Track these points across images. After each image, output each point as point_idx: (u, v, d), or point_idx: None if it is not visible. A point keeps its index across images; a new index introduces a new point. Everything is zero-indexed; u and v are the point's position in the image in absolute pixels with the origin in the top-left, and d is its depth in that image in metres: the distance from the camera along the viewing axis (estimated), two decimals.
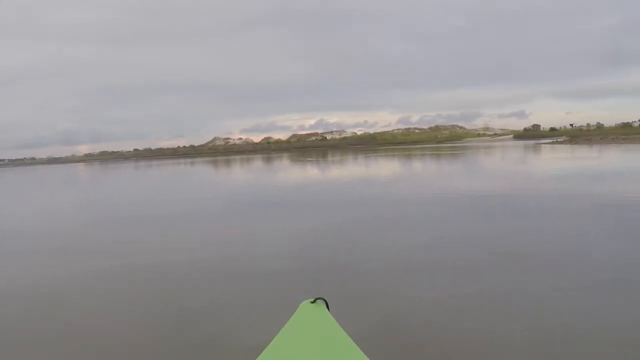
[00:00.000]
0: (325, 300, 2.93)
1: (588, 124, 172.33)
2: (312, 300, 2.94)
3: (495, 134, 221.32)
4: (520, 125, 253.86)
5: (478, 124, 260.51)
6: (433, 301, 6.64)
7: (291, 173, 41.79)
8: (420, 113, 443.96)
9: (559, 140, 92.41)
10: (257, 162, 71.27)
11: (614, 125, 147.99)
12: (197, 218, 16.02)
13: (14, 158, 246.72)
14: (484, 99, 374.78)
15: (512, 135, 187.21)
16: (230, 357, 5.21)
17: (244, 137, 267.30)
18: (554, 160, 38.55)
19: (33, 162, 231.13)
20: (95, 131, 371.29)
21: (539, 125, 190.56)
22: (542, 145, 74.97)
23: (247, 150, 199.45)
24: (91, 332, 6.16)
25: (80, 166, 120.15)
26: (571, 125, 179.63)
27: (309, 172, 40.66)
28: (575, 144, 69.20)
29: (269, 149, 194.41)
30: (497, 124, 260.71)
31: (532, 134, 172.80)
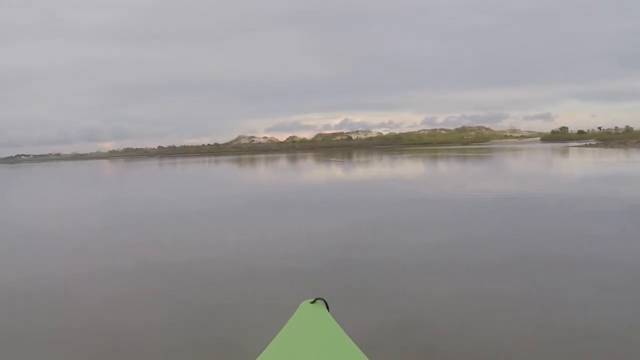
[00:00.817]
0: (325, 301, 2.93)
1: (616, 127, 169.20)
2: (312, 300, 2.94)
3: (523, 136, 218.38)
4: (545, 127, 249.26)
5: (504, 125, 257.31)
6: (450, 299, 6.78)
7: (316, 173, 41.39)
8: (445, 114, 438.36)
9: (591, 143, 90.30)
10: (282, 162, 71.27)
11: None
12: (215, 216, 16.40)
13: (38, 154, 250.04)
14: (509, 100, 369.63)
15: (539, 138, 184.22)
16: (237, 357, 5.28)
17: (268, 136, 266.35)
18: (601, 164, 37.29)
19: (58, 158, 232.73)
20: (119, 129, 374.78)
21: (567, 128, 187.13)
22: (576, 148, 73.23)
23: (271, 149, 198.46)
24: (100, 330, 6.28)
25: (104, 163, 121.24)
26: (599, 128, 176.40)
27: (335, 173, 40.28)
28: (611, 147, 67.22)
29: (293, 148, 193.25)
30: (523, 126, 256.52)
31: (560, 137, 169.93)
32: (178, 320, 6.54)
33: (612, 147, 65.89)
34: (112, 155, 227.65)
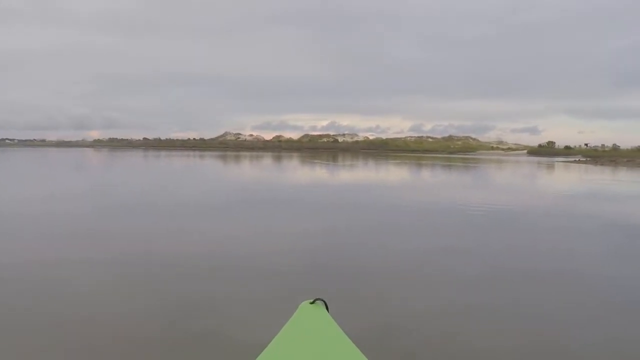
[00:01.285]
0: (324, 301, 2.89)
1: (603, 145, 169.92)
2: (312, 301, 2.90)
3: (510, 148, 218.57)
4: (532, 141, 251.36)
5: (490, 136, 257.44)
6: (426, 310, 6.79)
7: (297, 175, 40.27)
8: (432, 122, 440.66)
9: (580, 159, 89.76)
10: (264, 161, 69.87)
11: (629, 147, 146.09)
12: (194, 212, 16.02)
13: (23, 139, 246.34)
14: (497, 112, 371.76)
15: (526, 151, 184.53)
16: (225, 353, 5.33)
17: (255, 133, 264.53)
18: (591, 182, 36.53)
19: (43, 144, 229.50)
20: (107, 118, 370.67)
21: (554, 143, 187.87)
22: (563, 163, 72.54)
23: (257, 147, 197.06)
24: (86, 322, 6.15)
25: (88, 151, 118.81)
26: (586, 144, 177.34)
27: (318, 175, 39.20)
28: (601, 164, 66.49)
29: (279, 148, 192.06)
30: (510, 138, 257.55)
31: (547, 151, 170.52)
32: (157, 311, 6.56)
33: (601, 165, 65.29)
34: (97, 144, 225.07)
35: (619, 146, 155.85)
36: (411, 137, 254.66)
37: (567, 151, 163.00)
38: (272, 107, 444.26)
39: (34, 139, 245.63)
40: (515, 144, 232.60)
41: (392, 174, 41.66)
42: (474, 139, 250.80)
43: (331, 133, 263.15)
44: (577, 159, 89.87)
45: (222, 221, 14.50)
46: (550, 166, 63.13)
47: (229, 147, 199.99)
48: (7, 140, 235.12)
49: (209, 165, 56.57)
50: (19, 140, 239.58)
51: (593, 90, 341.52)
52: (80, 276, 8.21)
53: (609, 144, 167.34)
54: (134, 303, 6.90)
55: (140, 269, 8.76)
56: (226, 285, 7.85)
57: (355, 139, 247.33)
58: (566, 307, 6.91)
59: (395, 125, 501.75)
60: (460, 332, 5.98)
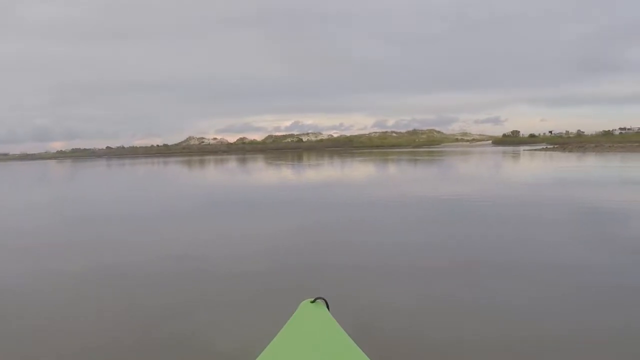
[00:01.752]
0: (325, 300, 2.91)
1: (567, 131, 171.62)
2: (312, 300, 2.92)
3: (474, 139, 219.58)
4: (495, 131, 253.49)
5: (454, 129, 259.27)
6: (396, 304, 6.66)
7: (259, 176, 38.39)
8: (396, 117, 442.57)
9: (547, 147, 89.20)
10: (227, 164, 68.48)
11: (593, 133, 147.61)
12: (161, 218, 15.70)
13: None
14: (459, 104, 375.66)
15: (490, 141, 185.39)
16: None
17: (218, 137, 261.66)
18: (563, 169, 35.28)
19: (5, 158, 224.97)
20: (70, 128, 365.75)
21: (518, 132, 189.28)
22: (531, 151, 71.68)
23: (220, 150, 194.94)
24: (60, 336, 5.91)
25: (50, 164, 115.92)
26: (550, 132, 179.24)
27: (284, 177, 37.19)
28: (569, 151, 65.35)
29: (243, 150, 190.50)
30: (473, 130, 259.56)
31: (511, 140, 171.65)
32: (127, 321, 6.33)
33: (569, 151, 64.37)
34: (60, 155, 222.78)
35: (583, 132, 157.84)
36: (375, 132, 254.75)
37: (532, 139, 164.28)
38: (235, 110, 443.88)
39: None
40: (480, 135, 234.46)
41: (362, 171, 40.50)
42: (438, 132, 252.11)
43: (295, 133, 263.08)
44: (544, 147, 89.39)
45: (189, 226, 13.95)
46: (517, 155, 62.07)
47: (193, 151, 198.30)
48: None
49: (172, 171, 54.84)
50: None
51: (554, 78, 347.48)
52: (49, 289, 7.95)
53: (573, 130, 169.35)
54: (104, 313, 6.66)
55: (119, 279, 8.40)
56: (198, 288, 7.70)
57: (320, 137, 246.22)
58: (532, 297, 6.77)
59: (359, 122, 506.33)
60: (425, 328, 5.88)
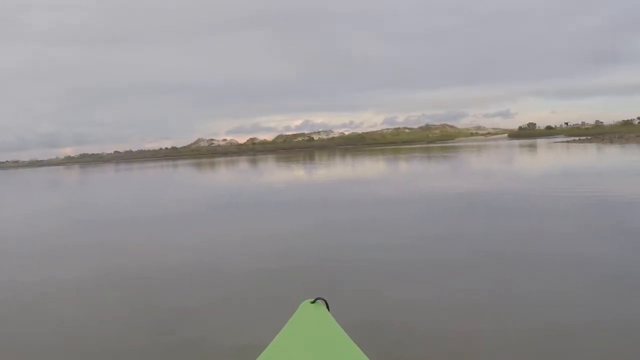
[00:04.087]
0: (325, 301, 2.92)
1: (583, 122, 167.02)
2: (312, 300, 2.93)
3: (489, 133, 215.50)
4: (506, 124, 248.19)
5: (465, 123, 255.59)
6: (416, 299, 6.49)
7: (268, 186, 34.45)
8: (405, 113, 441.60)
9: (581, 138, 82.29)
10: (237, 166, 65.07)
11: (611, 123, 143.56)
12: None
13: None
14: (468, 98, 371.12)
15: (506, 135, 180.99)
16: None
17: (228, 138, 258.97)
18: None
19: (15, 165, 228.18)
20: (78, 134, 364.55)
21: (535, 124, 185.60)
22: (566, 144, 66.21)
23: (230, 151, 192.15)
24: (74, 341, 5.80)
25: (58, 170, 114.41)
26: (566, 123, 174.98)
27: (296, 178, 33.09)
28: (611, 142, 57.70)
29: (254, 150, 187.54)
30: (483, 123, 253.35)
31: (528, 133, 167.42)
32: (141, 323, 6.23)
33: (611, 142, 57.97)
34: (68, 161, 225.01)
35: (602, 122, 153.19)
36: (387, 129, 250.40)
37: (550, 131, 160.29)
38: (245, 111, 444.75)
39: (7, 161, 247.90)
40: (494, 128, 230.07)
41: (382, 169, 37.43)
42: (452, 127, 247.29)
43: (306, 132, 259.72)
44: (574, 139, 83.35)
45: (196, 228, 13.58)
46: (554, 147, 57.17)
47: (202, 153, 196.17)
48: None
49: (180, 174, 52.41)
50: None
51: (562, 70, 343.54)
52: (66, 296, 7.67)
53: (588, 121, 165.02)
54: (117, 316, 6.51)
55: (131, 282, 8.11)
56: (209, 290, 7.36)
57: (331, 135, 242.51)
58: (554, 290, 6.38)
59: (369, 120, 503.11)
60: (441, 322, 5.65)
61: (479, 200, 15.06)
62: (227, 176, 43.26)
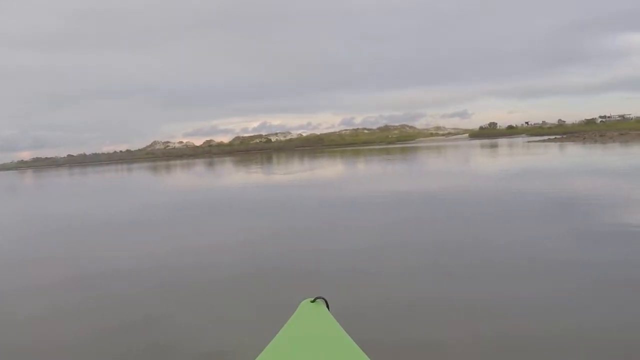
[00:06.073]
0: (325, 300, 2.91)
1: (544, 122, 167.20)
2: (312, 299, 2.92)
3: (449, 133, 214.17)
4: (464, 125, 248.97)
5: (423, 123, 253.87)
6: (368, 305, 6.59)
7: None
8: (363, 114, 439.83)
9: (556, 137, 78.93)
10: (192, 169, 63.97)
11: (573, 122, 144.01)
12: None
13: None
14: (425, 99, 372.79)
15: (467, 135, 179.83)
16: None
17: (185, 140, 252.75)
18: None
19: None
20: (36, 138, 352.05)
21: (496, 124, 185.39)
22: (546, 143, 62.69)
23: (186, 154, 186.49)
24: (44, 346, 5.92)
25: (8, 175, 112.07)
26: (526, 123, 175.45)
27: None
28: (594, 141, 53.66)
29: (210, 153, 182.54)
30: (442, 124, 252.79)
31: (489, 133, 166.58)
32: (104, 330, 6.28)
33: (594, 142, 53.63)
34: (21, 165, 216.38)
35: (564, 121, 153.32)
36: (345, 130, 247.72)
37: (511, 131, 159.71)
38: (202, 114, 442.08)
39: None
40: (454, 129, 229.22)
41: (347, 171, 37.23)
42: (411, 127, 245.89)
43: (263, 133, 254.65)
44: (549, 138, 79.76)
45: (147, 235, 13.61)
46: (530, 147, 54.10)
47: (157, 156, 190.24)
48: None
49: (133, 178, 51.37)
50: None
51: (520, 70, 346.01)
52: (29, 304, 7.71)
53: (548, 120, 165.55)
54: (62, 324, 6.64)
55: (101, 290, 8.18)
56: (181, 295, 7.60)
57: (289, 137, 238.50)
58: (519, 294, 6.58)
59: (327, 121, 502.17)
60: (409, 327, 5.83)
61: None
62: (175, 180, 43.27)
